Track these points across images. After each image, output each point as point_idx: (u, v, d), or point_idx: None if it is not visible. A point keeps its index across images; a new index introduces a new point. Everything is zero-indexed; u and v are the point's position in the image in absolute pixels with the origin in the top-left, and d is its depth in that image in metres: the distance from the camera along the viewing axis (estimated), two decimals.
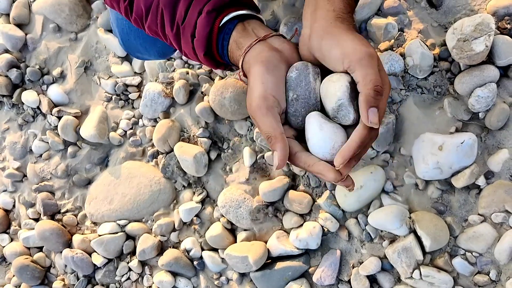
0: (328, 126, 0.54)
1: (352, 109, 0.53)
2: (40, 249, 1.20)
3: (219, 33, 0.62)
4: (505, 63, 0.85)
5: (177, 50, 0.76)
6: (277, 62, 0.59)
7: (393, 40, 0.92)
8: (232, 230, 1.05)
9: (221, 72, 1.03)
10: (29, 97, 1.18)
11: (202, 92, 1.06)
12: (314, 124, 0.54)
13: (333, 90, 0.54)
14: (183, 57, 1.07)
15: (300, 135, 0.58)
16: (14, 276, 1.20)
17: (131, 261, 1.11)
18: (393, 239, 0.93)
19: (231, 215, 1.02)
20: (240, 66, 0.61)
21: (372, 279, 0.95)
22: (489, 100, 0.85)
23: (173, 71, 1.08)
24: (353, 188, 0.55)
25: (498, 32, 0.86)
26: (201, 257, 1.06)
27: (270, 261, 1.01)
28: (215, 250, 1.05)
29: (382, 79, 0.52)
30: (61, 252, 1.14)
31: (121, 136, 1.13)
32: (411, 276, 0.91)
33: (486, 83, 0.85)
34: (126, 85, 1.13)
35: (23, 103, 1.20)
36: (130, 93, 1.13)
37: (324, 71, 0.57)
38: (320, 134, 0.54)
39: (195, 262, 1.06)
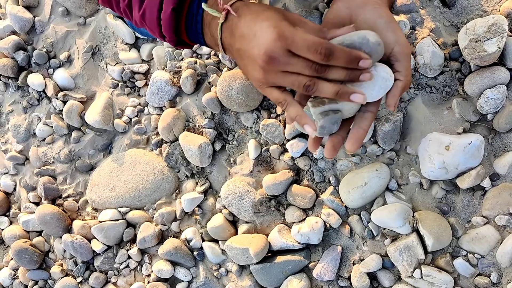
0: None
1: None
2: (39, 233, 1.20)
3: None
4: None
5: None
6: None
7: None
8: (233, 222, 1.05)
9: (229, 63, 1.02)
10: (34, 80, 1.17)
11: (209, 83, 1.05)
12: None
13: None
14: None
15: None
16: (12, 259, 1.19)
17: (130, 249, 1.10)
18: (395, 237, 0.93)
19: (233, 207, 1.01)
20: (223, 17, 0.60)
21: (372, 276, 0.95)
22: (498, 102, 0.85)
23: (181, 60, 1.07)
24: None
25: (511, 34, 0.85)
26: (201, 248, 1.06)
27: (270, 254, 1.00)
28: (215, 241, 1.05)
29: None
30: (60, 237, 1.14)
31: (126, 123, 1.12)
32: (412, 275, 0.90)
33: (496, 85, 0.84)
34: (133, 72, 1.12)
35: (28, 86, 1.19)
36: (136, 80, 1.12)
37: None
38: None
39: (195, 253, 1.06)
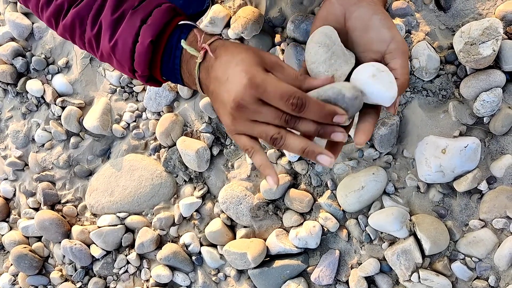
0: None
1: None
2: (39, 238, 1.20)
3: (173, 31, 0.61)
4: None
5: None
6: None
7: None
8: (231, 226, 1.05)
9: None
10: (33, 86, 1.18)
11: None
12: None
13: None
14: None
15: None
16: (12, 265, 1.19)
17: (129, 254, 1.11)
18: (392, 241, 0.93)
19: (231, 212, 1.02)
20: (201, 57, 0.58)
21: (370, 280, 0.95)
22: (494, 105, 0.85)
23: None
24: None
25: (506, 37, 0.85)
26: (199, 253, 1.06)
27: (268, 259, 1.00)
28: (214, 246, 1.05)
29: None
30: (59, 242, 1.14)
31: (124, 128, 1.13)
32: (410, 279, 0.90)
33: (492, 88, 0.84)
34: (131, 78, 1.13)
35: (27, 92, 1.20)
36: (134, 85, 1.13)
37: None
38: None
39: (193, 257, 1.06)
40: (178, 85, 1.05)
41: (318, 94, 0.55)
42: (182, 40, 0.59)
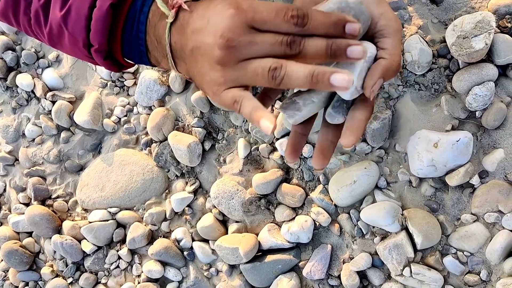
0: None
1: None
2: (29, 234, 1.19)
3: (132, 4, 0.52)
4: (504, 62, 0.84)
5: None
6: None
7: None
8: (223, 221, 1.04)
9: None
10: (23, 80, 1.16)
11: None
12: None
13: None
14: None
15: None
16: (2, 260, 1.19)
17: (120, 249, 1.10)
18: (384, 235, 0.93)
19: (223, 206, 1.01)
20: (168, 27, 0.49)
21: (362, 275, 0.95)
22: (487, 99, 0.84)
23: None
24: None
25: (498, 30, 0.85)
26: (191, 248, 1.05)
27: (260, 253, 1.00)
28: (205, 241, 1.05)
29: None
30: (50, 238, 1.13)
31: (115, 123, 1.12)
32: (402, 274, 0.90)
33: (484, 82, 0.84)
34: (122, 72, 1.12)
35: (17, 86, 1.19)
36: (125, 79, 1.12)
37: None
38: None
39: (185, 252, 1.06)
40: (170, 78, 1.04)
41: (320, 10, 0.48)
42: None
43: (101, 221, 1.09)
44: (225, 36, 0.45)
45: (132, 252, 1.10)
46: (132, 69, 1.11)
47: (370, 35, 0.51)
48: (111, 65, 0.54)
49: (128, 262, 1.10)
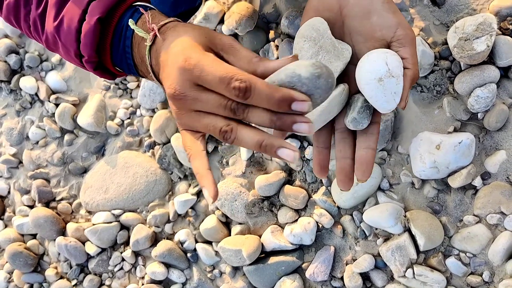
0: None
1: None
2: (33, 236, 1.20)
3: (126, 10, 0.53)
4: (506, 64, 0.84)
5: None
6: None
7: None
8: (226, 223, 1.05)
9: None
10: (27, 83, 1.17)
11: None
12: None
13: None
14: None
15: None
16: (7, 262, 1.19)
17: (124, 251, 1.11)
18: (387, 237, 0.93)
19: (226, 208, 1.01)
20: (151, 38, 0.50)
21: (365, 276, 0.95)
22: (489, 101, 0.84)
23: None
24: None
25: (500, 32, 0.85)
26: (194, 249, 1.06)
27: (263, 255, 1.00)
28: (209, 242, 1.05)
29: None
30: (54, 240, 1.14)
31: (118, 125, 1.12)
32: (404, 275, 0.90)
33: (486, 84, 0.84)
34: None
35: (21, 89, 1.19)
36: (128, 82, 1.12)
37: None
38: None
39: (188, 254, 1.06)
40: None
41: (271, 79, 0.45)
42: (130, 20, 0.51)
43: (105, 223, 1.10)
44: (173, 88, 0.46)
45: (136, 254, 1.11)
46: None
47: (388, 42, 0.52)
48: (103, 74, 0.57)
49: (132, 264, 1.11)
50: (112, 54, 0.54)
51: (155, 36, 0.50)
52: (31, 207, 1.19)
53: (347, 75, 0.55)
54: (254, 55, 0.48)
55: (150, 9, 0.54)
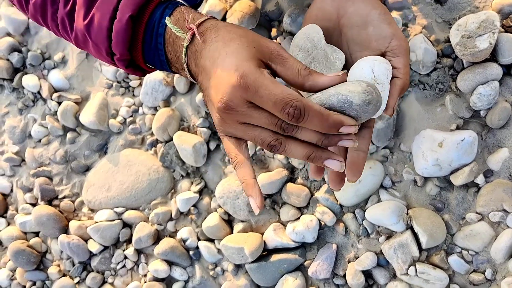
0: None
1: None
2: (36, 234, 1.20)
3: (157, 5, 0.53)
4: (509, 62, 0.84)
5: None
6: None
7: None
8: (229, 221, 1.05)
9: None
10: (29, 81, 1.17)
11: None
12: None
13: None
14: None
15: None
16: (9, 260, 1.20)
17: (127, 249, 1.11)
18: (389, 234, 0.93)
19: (229, 206, 1.02)
20: (188, 39, 0.50)
21: (367, 274, 0.95)
22: (491, 98, 0.84)
23: None
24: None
25: (503, 30, 0.85)
26: (197, 247, 1.06)
27: (266, 253, 1.01)
28: (211, 240, 1.05)
29: None
30: (57, 237, 1.14)
31: (120, 123, 1.12)
32: (407, 273, 0.90)
33: (488, 81, 0.84)
34: (127, 73, 1.12)
35: (23, 87, 1.20)
36: (131, 80, 1.12)
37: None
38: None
39: (191, 252, 1.06)
40: (175, 79, 1.05)
41: (321, 101, 0.47)
42: (167, 17, 0.51)
43: (107, 221, 1.10)
44: (223, 102, 0.46)
45: (138, 251, 1.11)
46: None
47: (382, 53, 0.54)
48: (134, 71, 0.57)
49: (134, 262, 1.11)
50: (144, 52, 0.54)
51: (192, 36, 0.50)
52: (34, 205, 1.19)
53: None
54: (303, 67, 0.49)
55: (180, 4, 0.54)
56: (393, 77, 0.53)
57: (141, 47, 0.53)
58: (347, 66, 0.55)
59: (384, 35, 0.54)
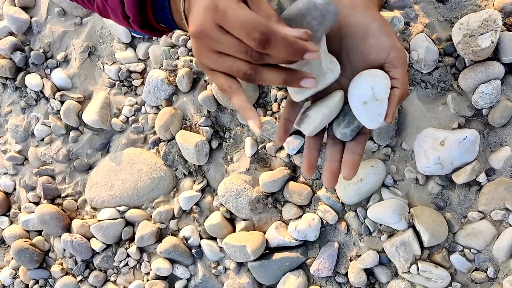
0: None
1: None
2: (39, 232, 1.20)
3: None
4: (510, 60, 0.84)
5: None
6: None
7: (398, 34, 0.91)
8: (231, 219, 1.05)
9: None
10: (32, 80, 1.18)
11: (205, 81, 1.05)
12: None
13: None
14: (188, 45, 1.07)
15: None
16: (12, 258, 1.20)
17: (129, 247, 1.11)
18: (391, 233, 0.93)
19: (231, 205, 1.02)
20: None
21: (369, 272, 0.96)
22: (493, 97, 0.84)
23: (177, 58, 1.08)
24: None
25: (505, 28, 0.85)
26: (199, 246, 1.06)
27: (268, 251, 1.01)
28: (213, 238, 1.06)
29: None
30: (60, 236, 1.14)
31: (123, 122, 1.13)
32: (408, 271, 0.91)
33: (490, 80, 0.84)
34: (130, 72, 1.13)
35: (26, 86, 1.20)
36: (133, 79, 1.12)
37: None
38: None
39: (193, 250, 1.07)
40: (177, 78, 1.05)
41: (289, 11, 0.51)
42: None
43: (110, 219, 1.10)
44: (195, 25, 0.48)
45: (141, 250, 1.11)
46: (139, 69, 1.11)
47: (381, 63, 0.56)
48: (150, 32, 0.61)
49: (137, 260, 1.12)
50: (154, 11, 0.57)
51: None
52: (37, 203, 1.20)
53: (342, 87, 0.59)
54: (274, 13, 0.50)
55: None
56: (392, 87, 0.56)
57: (150, 7, 0.57)
58: (345, 76, 0.58)
59: (383, 47, 0.56)
